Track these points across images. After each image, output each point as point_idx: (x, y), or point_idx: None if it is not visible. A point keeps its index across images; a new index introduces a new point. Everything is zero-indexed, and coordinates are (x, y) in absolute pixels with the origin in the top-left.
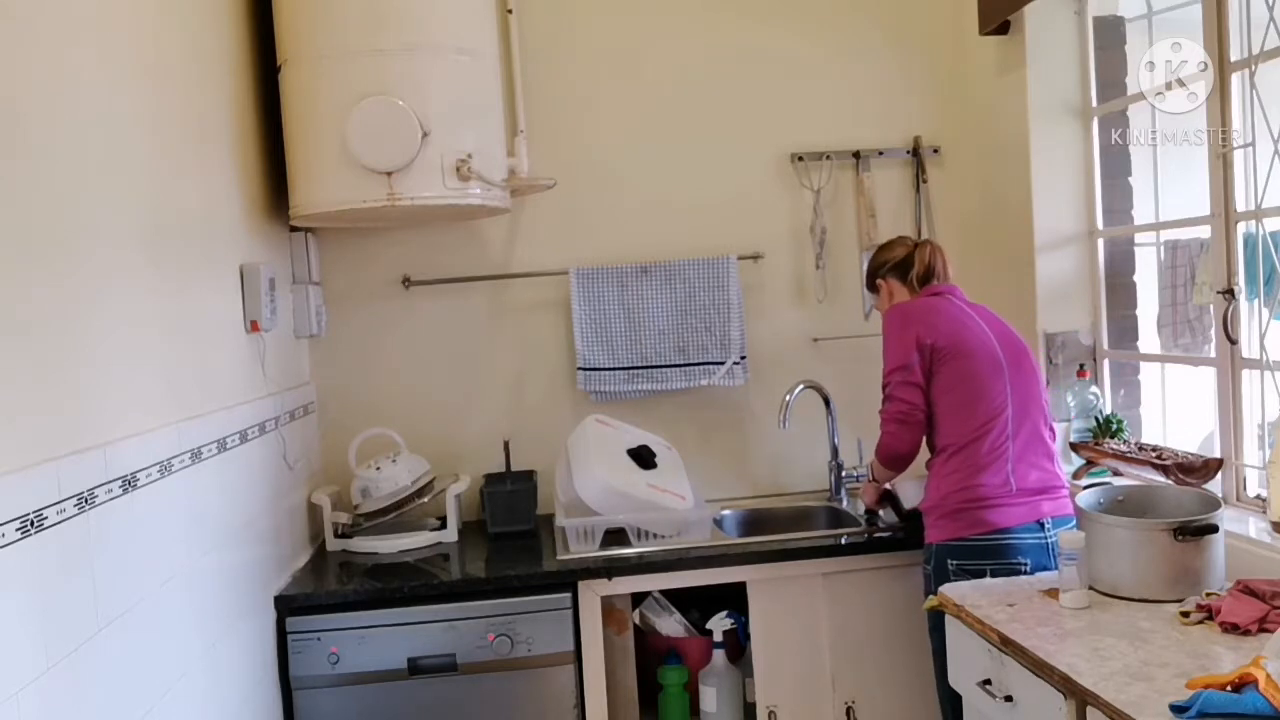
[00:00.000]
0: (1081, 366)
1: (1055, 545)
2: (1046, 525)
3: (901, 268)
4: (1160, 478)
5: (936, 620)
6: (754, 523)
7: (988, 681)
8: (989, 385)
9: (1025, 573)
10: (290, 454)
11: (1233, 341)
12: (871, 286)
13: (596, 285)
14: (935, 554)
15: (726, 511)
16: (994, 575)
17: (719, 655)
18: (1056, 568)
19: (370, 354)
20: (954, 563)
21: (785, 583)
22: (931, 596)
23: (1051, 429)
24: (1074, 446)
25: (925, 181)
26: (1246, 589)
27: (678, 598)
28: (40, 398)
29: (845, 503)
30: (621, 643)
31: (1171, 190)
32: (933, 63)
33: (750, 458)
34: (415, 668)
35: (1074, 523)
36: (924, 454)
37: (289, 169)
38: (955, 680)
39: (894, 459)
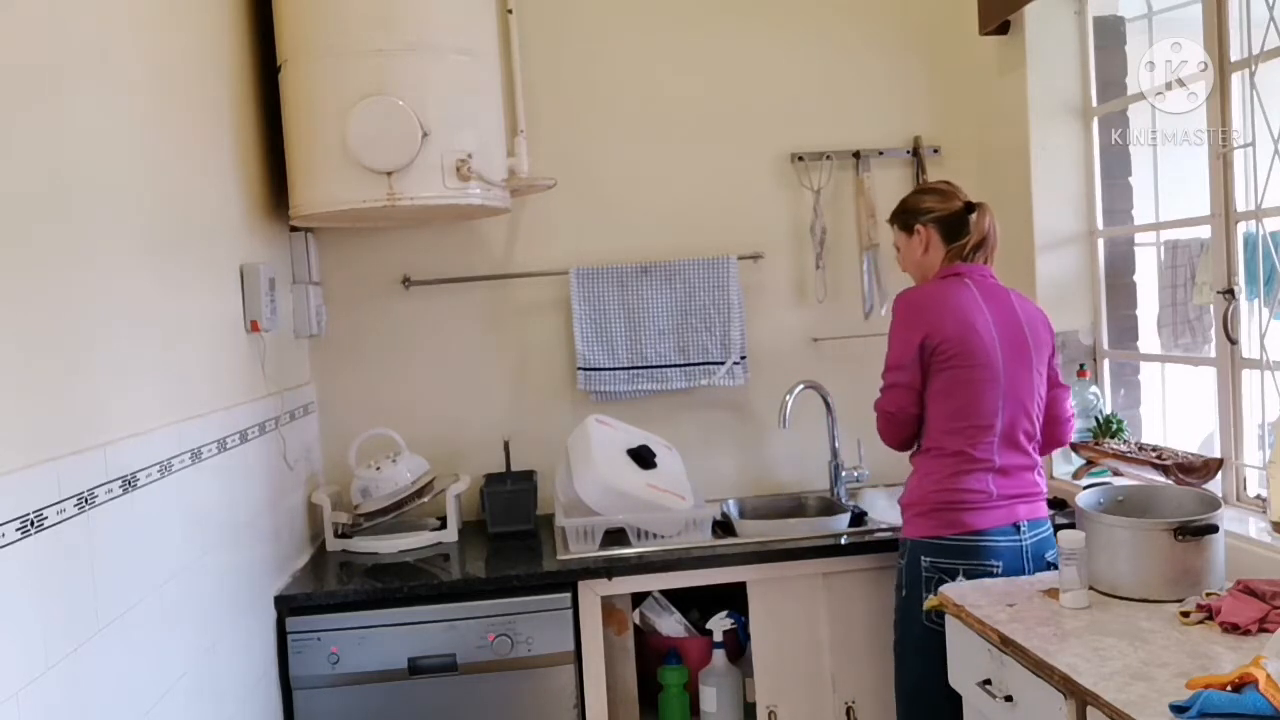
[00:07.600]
0: (1081, 366)
1: (1030, 548)
2: (1022, 528)
3: (952, 227)
4: (1160, 478)
5: (906, 616)
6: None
7: (988, 681)
8: (982, 397)
9: (997, 574)
10: (290, 454)
11: (1233, 341)
12: (906, 227)
13: (596, 285)
14: (910, 549)
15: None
16: (967, 575)
17: (719, 655)
18: (1029, 571)
19: (370, 354)
20: (927, 559)
21: (785, 583)
22: (931, 596)
23: (1036, 438)
24: (1074, 446)
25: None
26: (1247, 589)
27: (678, 598)
28: (40, 398)
29: (845, 501)
30: (621, 643)
31: (1171, 190)
32: (933, 63)
33: (750, 458)
34: (415, 668)
35: (1048, 526)
36: None
37: (289, 169)
38: (955, 680)
39: (889, 445)
